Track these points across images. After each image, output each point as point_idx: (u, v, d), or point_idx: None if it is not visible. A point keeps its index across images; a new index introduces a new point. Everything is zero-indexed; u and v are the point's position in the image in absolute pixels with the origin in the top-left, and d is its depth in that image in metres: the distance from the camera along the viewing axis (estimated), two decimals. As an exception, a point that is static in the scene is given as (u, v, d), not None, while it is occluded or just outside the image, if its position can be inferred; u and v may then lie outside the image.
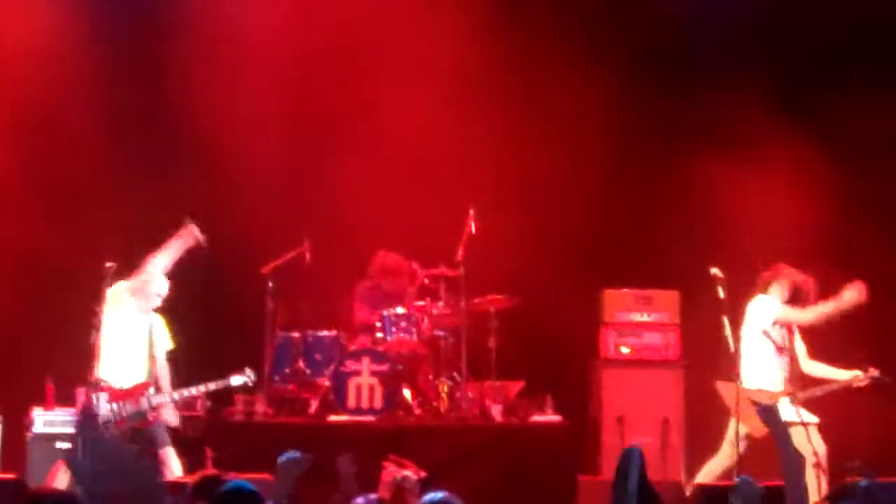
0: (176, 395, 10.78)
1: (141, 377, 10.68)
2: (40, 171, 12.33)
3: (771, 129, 12.65)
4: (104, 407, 10.32)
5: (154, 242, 11.00)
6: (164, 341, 10.89)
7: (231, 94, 12.65)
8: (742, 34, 13.17)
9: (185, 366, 11.16)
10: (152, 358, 10.81)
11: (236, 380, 10.75)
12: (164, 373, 10.78)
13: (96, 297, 10.43)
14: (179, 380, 11.18)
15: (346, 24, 12.95)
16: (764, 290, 10.90)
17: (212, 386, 10.79)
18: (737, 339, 10.58)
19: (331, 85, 13.02)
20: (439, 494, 6.17)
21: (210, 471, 8.14)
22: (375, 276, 12.89)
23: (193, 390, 10.87)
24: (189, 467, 10.22)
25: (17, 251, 11.96)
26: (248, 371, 10.76)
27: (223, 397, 11.96)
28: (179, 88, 12.81)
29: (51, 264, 11.90)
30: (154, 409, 10.60)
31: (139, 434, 10.57)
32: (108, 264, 10.45)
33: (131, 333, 10.77)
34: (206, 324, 12.01)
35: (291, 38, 12.91)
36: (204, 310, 11.87)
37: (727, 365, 11.01)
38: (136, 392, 10.58)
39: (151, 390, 10.65)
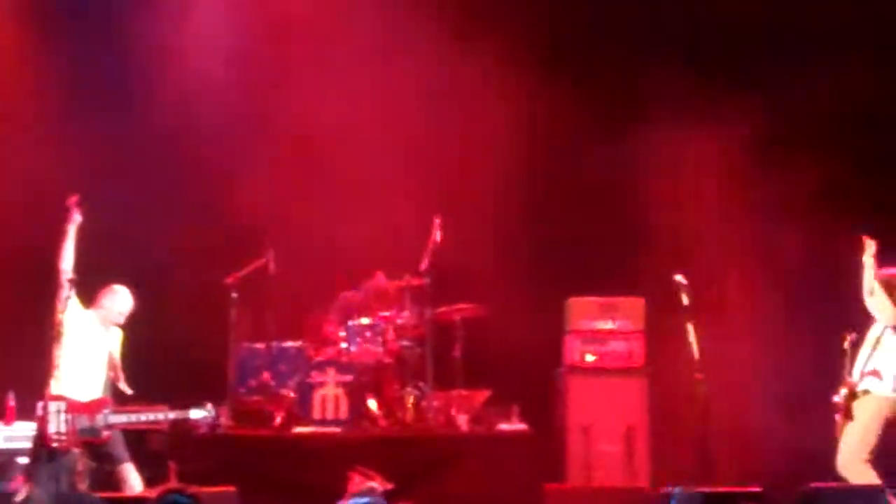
0: (134, 418, 10.73)
1: (99, 392, 10.63)
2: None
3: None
4: (59, 418, 10.30)
5: (118, 262, 11.08)
6: (117, 352, 10.90)
7: (196, 102, 12.75)
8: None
9: (149, 378, 11.13)
10: (112, 371, 10.79)
11: (196, 413, 10.74)
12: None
13: (57, 309, 10.42)
14: (142, 393, 11.14)
15: (312, 40, 13.05)
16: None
17: (171, 415, 10.78)
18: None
19: (295, 97, 13.04)
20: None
21: (174, 484, 8.10)
22: (368, 294, 12.92)
23: (152, 416, 10.84)
24: (152, 481, 10.22)
25: None
26: (209, 406, 10.75)
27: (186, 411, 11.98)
28: (149, 98, 12.89)
29: (11, 273, 11.76)
30: (109, 426, 10.54)
31: (92, 448, 10.55)
32: (70, 276, 10.42)
33: (91, 346, 10.71)
34: (170, 335, 11.98)
35: (259, 51, 13.09)
36: (168, 321, 11.78)
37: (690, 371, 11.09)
38: (93, 407, 10.51)
39: (108, 409, 10.59)
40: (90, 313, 10.75)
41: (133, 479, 10.46)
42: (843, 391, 10.43)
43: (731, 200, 12.54)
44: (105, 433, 10.53)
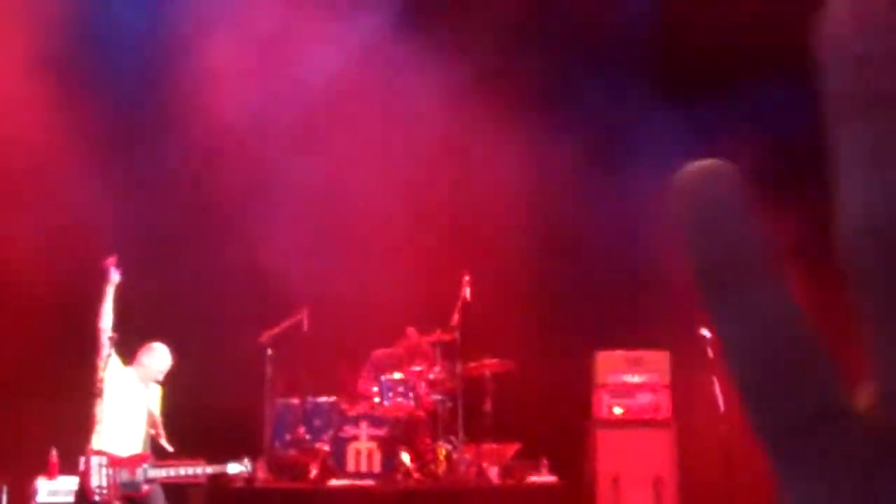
0: (173, 472, 10.82)
1: (139, 447, 10.72)
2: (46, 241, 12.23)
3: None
4: (101, 472, 10.39)
5: (157, 320, 11.14)
6: (157, 409, 10.99)
7: (233, 166, 12.78)
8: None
9: (187, 434, 11.20)
10: (152, 427, 10.88)
11: (233, 468, 10.82)
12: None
13: (98, 367, 10.52)
14: (180, 448, 11.21)
15: (344, 107, 13.05)
16: None
17: (209, 469, 10.85)
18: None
19: (327, 162, 13.01)
20: None
21: None
22: (400, 350, 12.95)
23: (191, 470, 10.92)
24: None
25: (19, 318, 11.92)
26: (246, 460, 10.82)
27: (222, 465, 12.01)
28: (186, 161, 12.93)
29: (52, 332, 11.79)
30: (149, 481, 10.64)
31: (132, 502, 10.62)
32: (111, 335, 10.53)
33: (131, 403, 10.81)
34: (207, 392, 11.92)
35: (293, 119, 13.06)
36: (205, 378, 11.76)
37: (719, 423, 11.13)
38: (133, 462, 10.62)
39: (148, 464, 10.68)
40: (130, 370, 10.88)
41: None
42: None
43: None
44: (145, 487, 10.65)
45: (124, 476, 10.63)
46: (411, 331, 12.85)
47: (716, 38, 12.92)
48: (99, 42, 12.95)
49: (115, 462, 10.54)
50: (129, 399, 10.85)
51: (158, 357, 11.02)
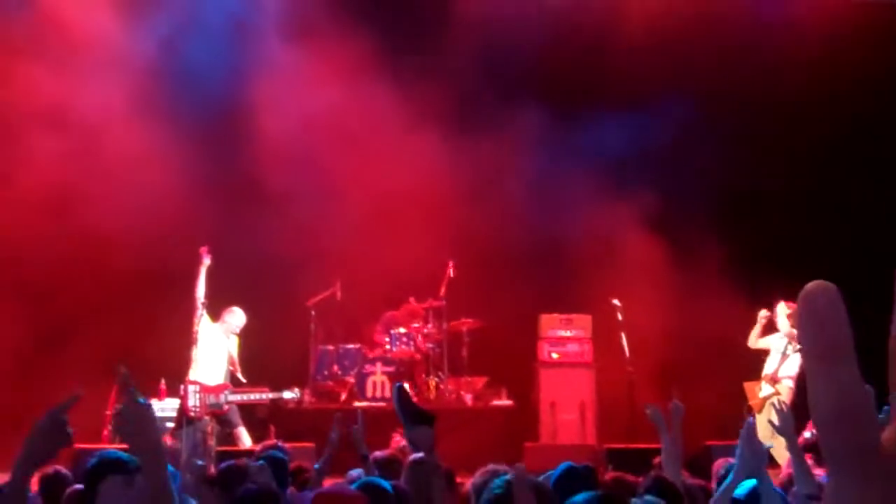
0: (245, 397, 10.89)
1: (221, 379, 10.82)
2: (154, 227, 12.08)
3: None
4: (195, 396, 10.48)
5: (236, 289, 11.08)
6: (235, 352, 11.02)
7: (292, 175, 12.45)
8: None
9: (256, 370, 11.25)
10: (231, 365, 10.95)
11: (288, 394, 10.91)
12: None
13: (194, 323, 10.57)
14: (251, 380, 11.26)
15: (369, 130, 12.86)
16: None
17: (271, 395, 10.91)
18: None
19: (358, 172, 12.67)
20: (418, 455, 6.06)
21: (272, 442, 8.18)
22: (404, 312, 12.82)
23: (258, 395, 10.97)
24: (258, 440, 10.27)
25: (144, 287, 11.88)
26: (296, 389, 10.92)
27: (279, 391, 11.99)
28: (263, 175, 12.59)
29: (164, 295, 11.65)
30: (228, 402, 10.73)
31: (217, 417, 10.69)
32: (203, 301, 10.61)
33: (217, 348, 10.90)
34: (271, 340, 11.88)
35: (331, 140, 12.71)
36: (269, 331, 11.70)
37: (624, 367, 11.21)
38: (217, 389, 10.73)
39: (228, 391, 10.77)
40: (216, 325, 10.97)
41: (245, 438, 10.68)
42: (766, 388, 10.59)
43: (649, 251, 12.49)
44: (225, 407, 10.76)
45: (211, 399, 10.74)
46: (411, 299, 12.81)
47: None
48: (186, 72, 12.67)
49: (204, 389, 10.67)
50: (215, 345, 10.96)
51: (236, 316, 11.11)
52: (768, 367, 10.80)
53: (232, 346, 11.16)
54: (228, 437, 10.90)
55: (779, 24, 13.03)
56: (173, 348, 11.05)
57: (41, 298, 11.84)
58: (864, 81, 12.63)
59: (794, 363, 10.60)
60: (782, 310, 10.65)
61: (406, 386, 6.30)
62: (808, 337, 1.89)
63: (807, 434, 9.16)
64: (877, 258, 12.33)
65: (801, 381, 10.64)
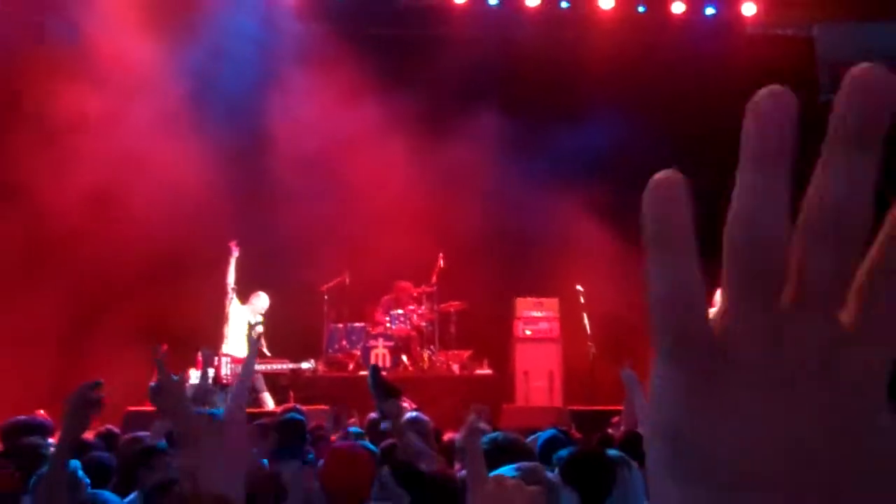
0: (269, 367, 10.94)
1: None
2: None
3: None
4: (227, 367, 10.52)
5: (262, 275, 11.07)
6: (259, 328, 11.04)
7: (303, 175, 12.39)
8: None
9: (279, 344, 11.29)
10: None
11: (304, 364, 10.95)
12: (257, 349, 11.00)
13: (225, 305, 10.62)
14: (273, 352, 11.29)
15: (368, 139, 12.73)
16: None
17: (290, 365, 10.94)
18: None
19: (362, 177, 12.64)
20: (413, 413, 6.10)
21: (291, 405, 8.23)
22: (401, 295, 12.79)
23: (280, 366, 11.01)
24: (279, 402, 10.40)
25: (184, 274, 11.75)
26: (312, 360, 10.95)
27: (298, 361, 11.99)
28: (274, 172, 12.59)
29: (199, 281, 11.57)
30: (255, 372, 10.75)
31: None
32: (233, 287, 10.66)
33: (245, 326, 10.93)
34: (291, 319, 11.89)
35: (338, 146, 12.66)
36: (289, 311, 11.73)
37: (585, 342, 11.27)
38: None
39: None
40: (245, 307, 11.00)
41: (268, 402, 10.71)
42: None
43: (607, 240, 12.48)
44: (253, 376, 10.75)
45: (240, 369, 10.74)
46: (409, 284, 12.80)
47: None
48: (215, 90, 12.52)
49: (235, 360, 10.70)
50: (243, 324, 10.97)
51: (261, 300, 11.17)
52: None
53: (258, 325, 11.22)
54: (254, 401, 10.94)
55: (706, 52, 13.30)
56: (207, 325, 11.14)
57: (90, 279, 11.75)
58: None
59: None
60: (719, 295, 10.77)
61: (380, 366, 6.39)
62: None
63: None
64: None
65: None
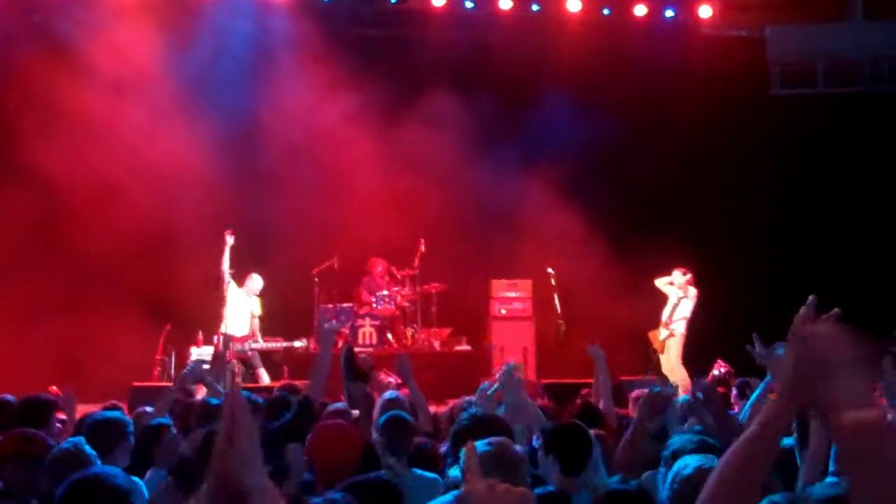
0: (264, 345, 10.92)
1: (246, 331, 10.85)
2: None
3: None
4: (227, 345, 10.48)
5: (256, 254, 11.00)
6: (258, 312, 11.02)
7: (297, 167, 12.37)
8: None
9: (269, 323, 11.27)
10: (251, 321, 10.98)
11: (297, 343, 10.92)
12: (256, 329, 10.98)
13: (223, 289, 10.58)
14: (268, 332, 11.27)
15: (354, 133, 12.64)
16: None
17: (284, 344, 10.92)
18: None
19: (351, 168, 12.57)
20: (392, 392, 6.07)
21: (287, 381, 8.23)
22: (370, 270, 12.70)
23: (274, 344, 10.99)
24: (274, 378, 10.39)
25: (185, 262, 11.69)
26: (303, 339, 10.89)
27: (291, 339, 11.97)
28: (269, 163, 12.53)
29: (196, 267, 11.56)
30: (251, 350, 10.75)
31: (242, 360, 10.71)
32: (231, 272, 10.62)
33: (242, 308, 10.92)
34: (283, 300, 11.85)
35: (326, 142, 12.56)
36: (284, 294, 11.68)
37: (556, 320, 11.31)
38: (243, 339, 10.76)
39: (251, 340, 10.79)
40: (241, 290, 10.97)
41: (264, 377, 10.70)
42: (664, 332, 10.76)
43: (577, 227, 12.52)
44: (249, 352, 10.77)
45: (238, 346, 10.77)
46: (393, 268, 12.70)
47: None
48: (215, 84, 12.44)
49: (234, 339, 10.67)
50: (240, 305, 10.99)
51: (255, 281, 11.17)
52: (664, 315, 10.98)
53: (254, 306, 11.20)
54: (251, 376, 10.96)
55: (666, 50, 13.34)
56: (205, 305, 11.10)
57: (94, 260, 11.62)
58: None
59: (684, 308, 10.83)
60: (677, 275, 10.90)
61: (354, 348, 6.39)
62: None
63: (715, 372, 9.33)
64: (761, 231, 12.65)
65: (691, 323, 10.88)
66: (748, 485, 1.77)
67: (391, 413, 4.58)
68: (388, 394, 5.64)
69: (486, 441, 3.10)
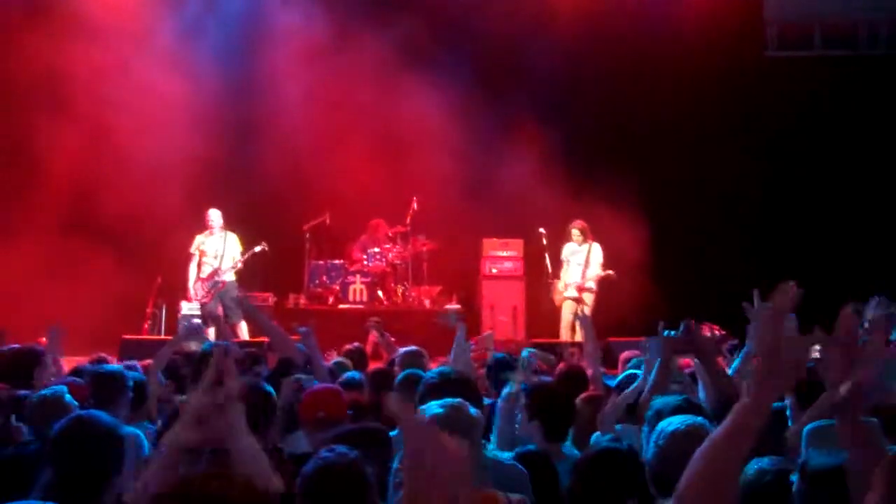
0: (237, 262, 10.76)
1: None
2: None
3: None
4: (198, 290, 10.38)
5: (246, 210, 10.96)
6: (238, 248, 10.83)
7: (288, 120, 12.36)
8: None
9: (263, 278, 11.21)
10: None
11: (257, 247, 10.84)
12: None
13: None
14: (260, 288, 11.17)
15: (344, 83, 12.57)
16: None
17: (247, 255, 10.85)
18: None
19: (343, 123, 12.53)
20: (412, 347, 6.13)
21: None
22: (370, 231, 12.69)
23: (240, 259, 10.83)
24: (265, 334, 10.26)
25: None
26: (263, 243, 10.82)
27: (282, 295, 11.99)
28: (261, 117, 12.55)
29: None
30: (221, 281, 10.55)
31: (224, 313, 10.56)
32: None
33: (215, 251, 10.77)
34: (274, 257, 11.62)
35: (327, 104, 12.53)
36: (273, 249, 11.46)
37: (547, 279, 11.29)
38: (211, 276, 10.58)
39: (218, 274, 10.63)
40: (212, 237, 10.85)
41: (244, 333, 10.54)
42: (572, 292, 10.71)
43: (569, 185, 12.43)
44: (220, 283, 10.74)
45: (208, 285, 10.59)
46: (379, 221, 12.66)
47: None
48: (208, 42, 12.46)
49: (203, 280, 10.55)
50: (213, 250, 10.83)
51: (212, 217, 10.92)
52: (574, 276, 10.91)
53: (230, 243, 10.93)
54: (231, 329, 10.65)
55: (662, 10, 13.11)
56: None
57: (86, 213, 11.66)
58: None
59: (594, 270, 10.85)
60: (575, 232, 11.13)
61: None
62: None
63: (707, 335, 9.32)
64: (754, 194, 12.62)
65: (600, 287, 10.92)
66: (727, 477, 1.85)
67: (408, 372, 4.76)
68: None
69: (440, 402, 3.06)
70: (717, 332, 9.31)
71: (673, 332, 4.04)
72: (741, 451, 1.87)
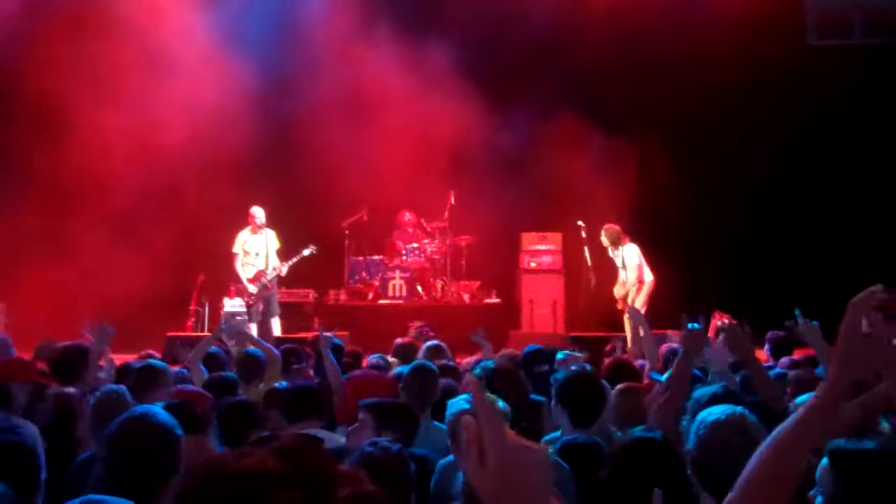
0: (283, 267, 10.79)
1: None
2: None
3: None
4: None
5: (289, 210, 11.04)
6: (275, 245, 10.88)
7: (326, 117, 12.36)
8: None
9: (304, 274, 11.25)
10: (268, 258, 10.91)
11: (306, 251, 10.81)
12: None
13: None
14: (301, 284, 11.21)
15: (382, 87, 12.55)
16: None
17: (295, 259, 10.83)
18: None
19: (382, 124, 12.55)
20: (433, 342, 6.22)
21: (317, 332, 8.28)
22: (417, 230, 12.74)
23: (287, 264, 10.84)
24: (306, 330, 10.36)
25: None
26: (312, 246, 10.81)
27: (322, 292, 12.05)
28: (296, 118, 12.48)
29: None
30: (269, 282, 10.63)
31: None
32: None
33: (257, 250, 10.83)
34: (315, 254, 11.66)
35: (357, 102, 12.58)
36: (318, 245, 11.47)
37: (586, 273, 11.21)
38: (257, 276, 10.64)
39: (265, 276, 10.71)
40: (255, 235, 10.89)
41: (275, 328, 10.60)
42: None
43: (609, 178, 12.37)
44: (269, 285, 10.79)
45: (252, 286, 10.71)
46: (423, 220, 12.74)
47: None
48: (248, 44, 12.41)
49: (251, 280, 10.61)
50: (254, 248, 10.90)
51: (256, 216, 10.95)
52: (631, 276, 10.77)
53: (271, 240, 10.99)
54: (261, 324, 10.72)
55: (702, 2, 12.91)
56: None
57: (131, 213, 11.81)
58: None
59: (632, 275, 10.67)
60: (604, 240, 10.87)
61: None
62: None
63: (718, 323, 9.21)
64: (793, 184, 12.45)
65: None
66: (788, 471, 1.83)
67: (418, 363, 4.66)
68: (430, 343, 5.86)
69: (465, 398, 3.07)
70: (726, 321, 9.21)
71: (697, 325, 3.99)
72: (809, 445, 1.87)
